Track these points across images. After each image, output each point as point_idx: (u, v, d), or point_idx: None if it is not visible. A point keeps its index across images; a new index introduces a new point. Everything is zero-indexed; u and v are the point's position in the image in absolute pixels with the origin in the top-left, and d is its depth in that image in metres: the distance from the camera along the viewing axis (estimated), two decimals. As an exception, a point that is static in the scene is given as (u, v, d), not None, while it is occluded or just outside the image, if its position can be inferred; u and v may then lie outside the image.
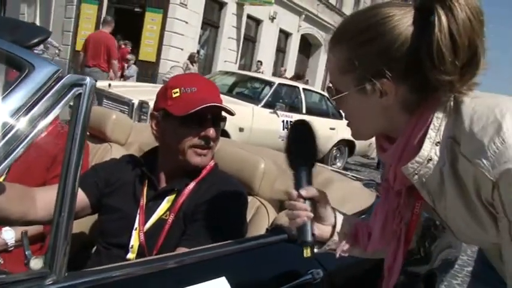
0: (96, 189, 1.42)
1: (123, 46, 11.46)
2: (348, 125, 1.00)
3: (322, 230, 1.06)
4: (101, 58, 7.41)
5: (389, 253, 1.06)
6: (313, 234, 0.99)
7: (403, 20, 0.85)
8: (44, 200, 1.22)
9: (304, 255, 0.97)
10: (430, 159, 0.87)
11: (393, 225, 1.02)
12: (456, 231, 0.99)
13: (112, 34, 7.69)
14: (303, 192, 1.01)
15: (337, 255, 1.07)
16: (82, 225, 1.73)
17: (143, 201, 1.38)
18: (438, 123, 0.87)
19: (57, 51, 11.73)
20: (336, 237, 1.06)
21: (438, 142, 0.86)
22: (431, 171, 0.88)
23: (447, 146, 0.86)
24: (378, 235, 1.05)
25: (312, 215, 1.00)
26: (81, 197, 1.37)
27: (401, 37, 0.85)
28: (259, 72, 12.69)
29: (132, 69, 11.53)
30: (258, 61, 14.61)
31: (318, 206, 1.04)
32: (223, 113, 1.43)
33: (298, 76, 12.61)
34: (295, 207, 1.01)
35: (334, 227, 1.07)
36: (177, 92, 1.37)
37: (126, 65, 11.23)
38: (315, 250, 1.03)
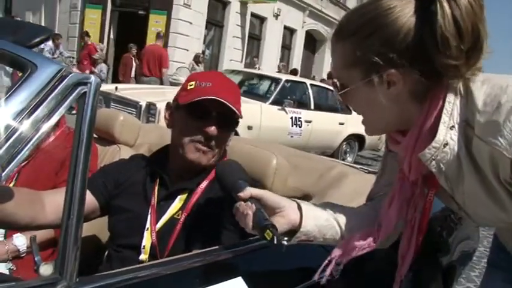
0: (105, 190, 1.39)
1: (89, 43, 11.10)
2: (362, 122, 1.01)
3: (287, 216, 1.01)
4: (156, 68, 8.56)
5: (403, 242, 1.06)
6: (266, 219, 0.96)
7: (405, 11, 0.86)
8: (53, 203, 1.20)
9: (268, 238, 0.93)
10: (446, 144, 0.87)
11: (408, 215, 1.02)
12: (474, 215, 1.00)
13: (121, 38, 8.37)
14: (241, 194, 1.02)
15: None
16: (93, 228, 1.71)
17: (154, 200, 1.35)
18: (450, 108, 0.87)
19: (71, 59, 11.71)
20: (304, 229, 1.02)
21: (452, 126, 0.87)
22: (449, 156, 0.88)
23: (460, 129, 0.86)
24: (392, 226, 1.03)
25: (254, 206, 0.99)
26: (90, 199, 1.34)
27: (404, 28, 0.86)
28: (255, 68, 12.51)
29: (100, 68, 10.86)
30: (254, 56, 14.20)
31: (263, 200, 1.02)
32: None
33: (294, 72, 12.54)
34: (239, 209, 1.01)
35: (300, 210, 1.03)
36: (192, 85, 1.36)
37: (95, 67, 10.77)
38: (285, 242, 1.01)
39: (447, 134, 0.87)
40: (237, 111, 1.34)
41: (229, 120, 1.37)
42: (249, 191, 1.02)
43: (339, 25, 0.96)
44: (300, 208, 1.03)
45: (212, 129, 1.31)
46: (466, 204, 0.96)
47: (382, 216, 1.05)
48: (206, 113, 1.32)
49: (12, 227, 1.28)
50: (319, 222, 1.04)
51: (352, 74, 0.93)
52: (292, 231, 1.02)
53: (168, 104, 1.44)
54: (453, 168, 0.89)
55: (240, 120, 1.39)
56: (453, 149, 0.87)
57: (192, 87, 1.35)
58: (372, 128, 1.02)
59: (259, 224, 0.96)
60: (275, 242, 0.92)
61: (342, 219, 1.07)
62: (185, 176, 1.38)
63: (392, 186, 1.06)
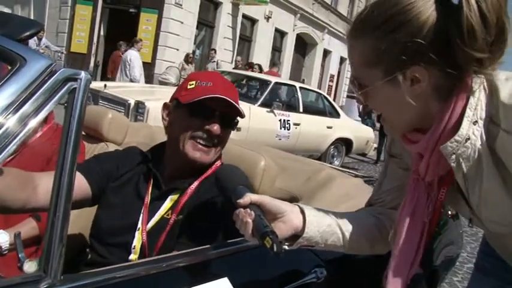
0: (99, 179, 1.36)
1: None
2: (382, 121, 0.98)
3: (289, 222, 0.99)
4: None
5: (408, 245, 1.02)
6: (266, 226, 0.93)
7: (427, 5, 0.84)
8: (44, 186, 1.16)
9: (267, 246, 0.90)
10: (468, 138, 0.86)
11: (423, 218, 0.99)
12: (486, 220, 0.97)
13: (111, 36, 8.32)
14: (241, 201, 0.98)
15: None
16: (76, 228, 1.69)
17: (148, 199, 1.34)
18: (475, 103, 0.86)
19: (59, 54, 11.47)
20: (306, 235, 1.00)
21: (476, 121, 0.86)
22: (469, 151, 0.87)
23: (484, 125, 0.86)
24: (405, 229, 1.01)
25: (253, 213, 0.95)
26: (84, 185, 1.32)
27: (428, 22, 0.83)
28: (213, 62, 12.23)
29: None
30: (212, 49, 13.43)
31: (263, 205, 0.98)
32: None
33: (251, 65, 12.09)
34: (238, 217, 0.97)
35: (303, 214, 1.01)
36: (192, 84, 1.36)
37: None
38: (286, 247, 0.99)
39: (470, 129, 0.86)
40: (240, 110, 1.35)
41: (231, 119, 1.39)
42: (249, 197, 0.98)
43: (357, 21, 0.93)
44: (302, 212, 1.01)
45: (216, 128, 1.33)
46: (479, 208, 0.94)
47: (397, 221, 1.03)
48: (209, 111, 1.33)
49: (5, 211, 1.23)
50: (321, 228, 1.02)
51: (374, 72, 0.90)
52: (294, 236, 1.00)
53: (165, 104, 1.43)
54: (473, 164, 0.88)
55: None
56: (474, 144, 0.86)
57: (193, 86, 1.35)
58: (394, 128, 0.99)
59: (258, 231, 0.93)
60: (275, 249, 0.89)
61: (344, 224, 1.06)
62: (179, 176, 1.37)
63: (406, 190, 1.03)
